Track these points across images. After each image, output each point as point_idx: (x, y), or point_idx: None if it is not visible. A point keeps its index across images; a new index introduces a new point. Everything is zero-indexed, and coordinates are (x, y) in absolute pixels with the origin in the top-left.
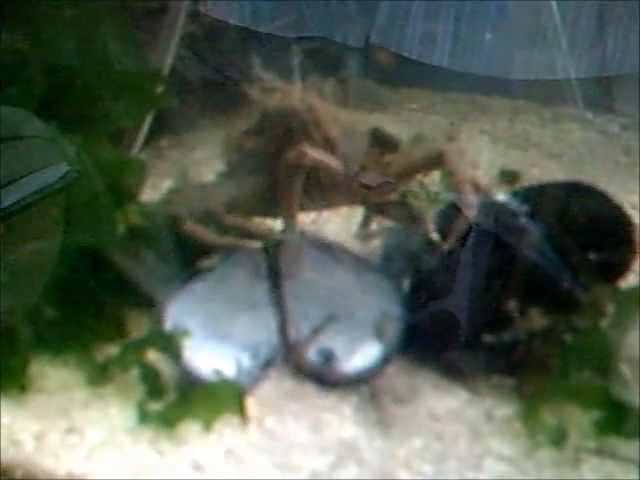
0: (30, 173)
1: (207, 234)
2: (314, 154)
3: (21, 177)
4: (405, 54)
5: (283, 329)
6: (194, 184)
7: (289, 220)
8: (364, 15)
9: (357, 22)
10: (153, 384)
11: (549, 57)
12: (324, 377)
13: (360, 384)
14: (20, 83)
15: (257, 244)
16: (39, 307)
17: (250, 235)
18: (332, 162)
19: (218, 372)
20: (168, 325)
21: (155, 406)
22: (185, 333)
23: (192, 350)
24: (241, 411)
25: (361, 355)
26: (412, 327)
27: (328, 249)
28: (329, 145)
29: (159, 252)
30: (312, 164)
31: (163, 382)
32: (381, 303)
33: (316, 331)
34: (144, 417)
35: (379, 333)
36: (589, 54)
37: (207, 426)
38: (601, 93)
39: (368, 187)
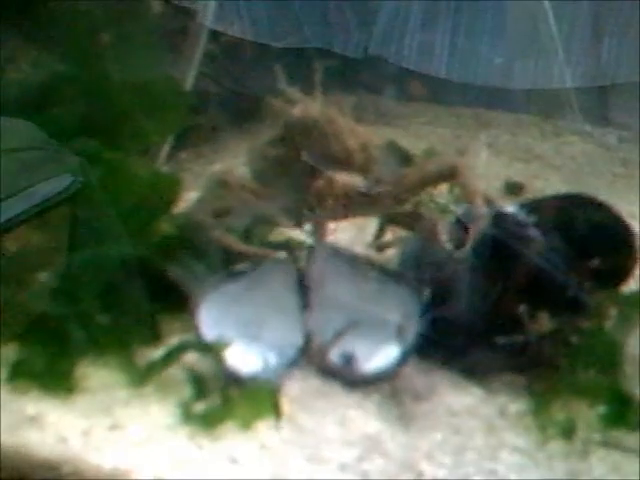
0: (34, 184)
1: (235, 242)
2: (340, 180)
3: (25, 188)
4: (403, 65)
5: (308, 333)
6: (220, 195)
7: (317, 232)
8: (362, 26)
9: (356, 33)
10: (198, 387)
11: (545, 67)
12: (345, 377)
13: (378, 383)
14: (62, 104)
15: (283, 253)
16: (87, 312)
17: (276, 246)
18: (354, 180)
19: (255, 376)
20: (202, 327)
21: (197, 406)
22: (226, 345)
23: (236, 357)
24: (277, 413)
25: (379, 357)
26: (430, 330)
27: (352, 259)
28: (347, 156)
29: (191, 259)
30: (338, 188)
31: (205, 382)
32: (400, 308)
33: (338, 336)
34: (188, 417)
35: (397, 336)
36: (585, 64)
37: (246, 427)
38: (598, 104)
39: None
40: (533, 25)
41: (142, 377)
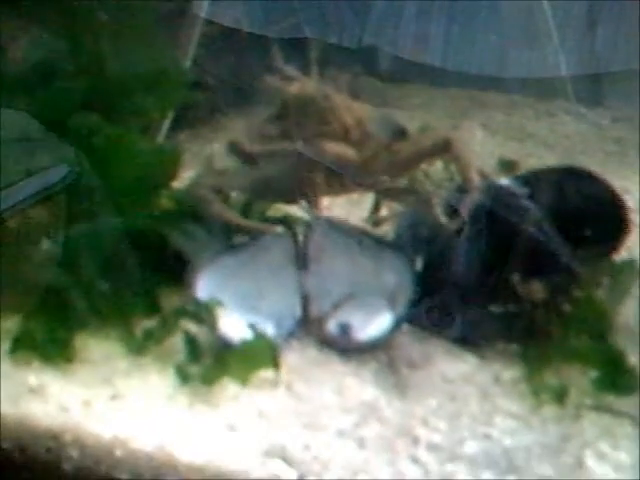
0: (30, 175)
1: (234, 216)
2: (332, 149)
3: (20, 179)
4: (398, 54)
5: (306, 305)
6: (218, 170)
7: (312, 207)
8: (357, 16)
9: (350, 23)
10: (193, 348)
11: (540, 55)
12: (341, 346)
13: (373, 350)
14: (63, 80)
15: (281, 228)
16: (87, 284)
17: (274, 220)
18: (349, 153)
19: (253, 327)
20: (200, 297)
21: (193, 369)
22: (218, 303)
23: (223, 319)
24: (275, 364)
25: (373, 325)
26: (424, 300)
27: (349, 232)
28: (343, 131)
29: (191, 231)
30: (329, 157)
31: (199, 347)
32: (393, 278)
33: (335, 307)
34: (185, 378)
35: (390, 305)
36: (579, 51)
37: (244, 382)
38: (592, 90)
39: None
40: (528, 13)
41: (141, 345)
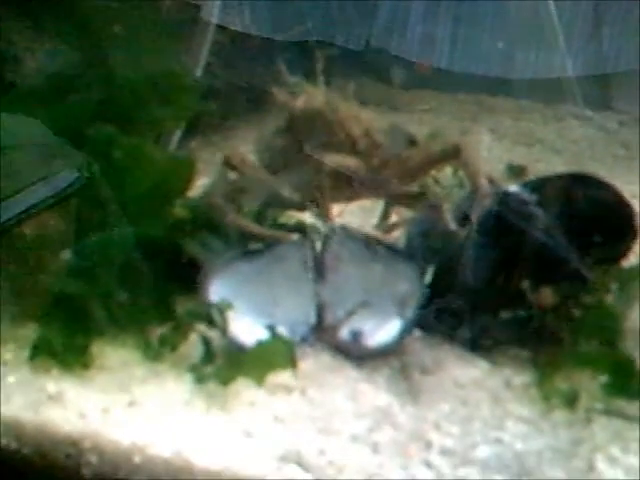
0: (40, 180)
1: (249, 224)
2: (336, 161)
3: (30, 184)
4: (405, 56)
5: (321, 312)
6: (232, 179)
7: (323, 214)
8: (364, 19)
9: (357, 26)
10: (207, 348)
11: (547, 56)
12: (352, 352)
13: (383, 356)
14: (80, 91)
15: (296, 236)
16: (105, 292)
17: (289, 228)
18: (353, 163)
19: (270, 327)
20: (213, 300)
21: (209, 370)
22: (229, 305)
23: (236, 324)
24: (293, 365)
25: (383, 331)
26: (436, 306)
27: (363, 240)
28: (351, 142)
29: (206, 239)
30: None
31: (214, 349)
32: (403, 285)
33: (349, 314)
34: (200, 379)
35: (400, 311)
36: (586, 53)
37: (260, 382)
38: (600, 91)
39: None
40: (534, 15)
41: (157, 352)
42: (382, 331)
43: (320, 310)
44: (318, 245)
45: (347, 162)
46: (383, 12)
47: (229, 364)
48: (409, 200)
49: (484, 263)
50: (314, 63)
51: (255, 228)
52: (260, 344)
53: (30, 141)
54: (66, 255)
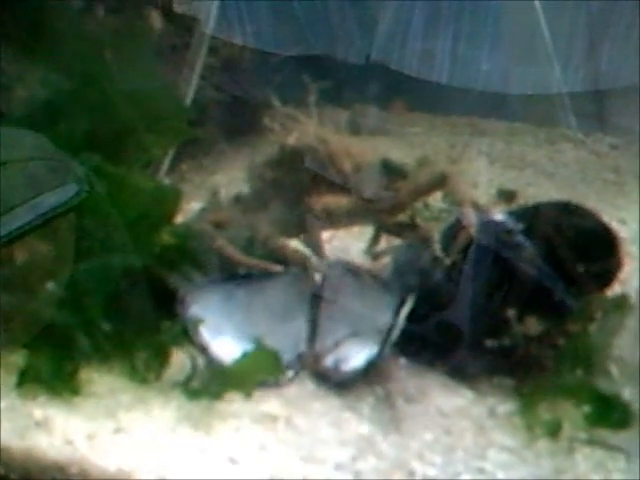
0: (41, 194)
1: (236, 253)
2: (331, 200)
3: (32, 198)
4: (405, 71)
5: (312, 341)
6: (223, 205)
7: (316, 246)
8: (365, 33)
9: (358, 40)
10: (194, 363)
11: (545, 72)
12: (332, 377)
13: (359, 380)
14: (67, 120)
15: (279, 268)
16: (92, 320)
17: (279, 258)
18: (343, 202)
19: (257, 339)
20: (201, 331)
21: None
22: (201, 321)
23: (219, 345)
24: (279, 372)
25: (357, 358)
26: (419, 334)
27: (352, 270)
28: (342, 176)
29: (191, 267)
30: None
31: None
32: (385, 315)
33: (336, 344)
34: (191, 394)
35: (377, 338)
36: (584, 68)
37: (248, 393)
38: (595, 107)
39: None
40: (533, 31)
41: (143, 377)
42: (356, 358)
43: (312, 339)
44: (310, 274)
45: (337, 201)
46: (384, 27)
47: (216, 378)
48: (399, 229)
49: (469, 292)
50: (307, 90)
51: (240, 257)
52: (245, 355)
53: (34, 155)
54: (51, 286)
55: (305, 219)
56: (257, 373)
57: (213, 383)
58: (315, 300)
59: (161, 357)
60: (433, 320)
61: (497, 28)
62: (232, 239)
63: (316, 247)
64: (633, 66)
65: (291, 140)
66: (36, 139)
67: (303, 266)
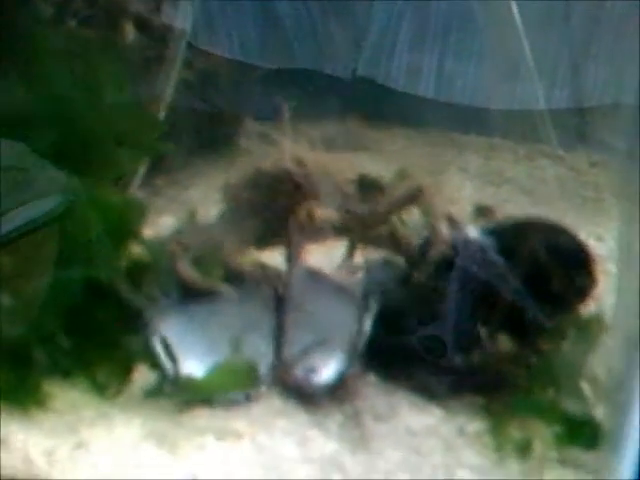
0: (23, 204)
1: (193, 276)
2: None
3: (13, 208)
4: (391, 85)
5: (279, 352)
6: (198, 225)
7: (293, 260)
8: (351, 48)
9: (344, 54)
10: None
11: (530, 88)
12: (304, 390)
13: (327, 393)
14: (32, 133)
15: (229, 289)
16: (53, 335)
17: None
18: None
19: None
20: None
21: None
22: (165, 338)
23: (186, 362)
24: (254, 382)
25: (328, 369)
26: (388, 351)
27: (325, 281)
28: (318, 195)
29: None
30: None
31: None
32: (354, 326)
33: (304, 353)
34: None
35: (345, 350)
36: (569, 86)
37: (217, 402)
38: (577, 124)
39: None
40: (518, 48)
41: (104, 390)
42: (327, 368)
43: (278, 349)
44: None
45: (315, 216)
46: (371, 42)
47: (184, 388)
48: (379, 241)
49: (439, 309)
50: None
51: (193, 277)
52: (221, 363)
53: (15, 164)
54: (5, 300)
55: (281, 234)
56: (232, 383)
57: (182, 395)
58: (280, 310)
59: (123, 372)
60: (402, 337)
61: (484, 44)
62: (196, 259)
63: (294, 261)
64: (616, 84)
65: (266, 164)
66: (18, 148)
67: (264, 280)
